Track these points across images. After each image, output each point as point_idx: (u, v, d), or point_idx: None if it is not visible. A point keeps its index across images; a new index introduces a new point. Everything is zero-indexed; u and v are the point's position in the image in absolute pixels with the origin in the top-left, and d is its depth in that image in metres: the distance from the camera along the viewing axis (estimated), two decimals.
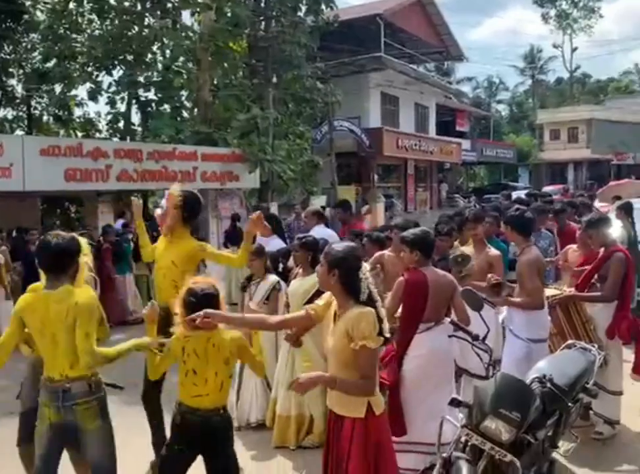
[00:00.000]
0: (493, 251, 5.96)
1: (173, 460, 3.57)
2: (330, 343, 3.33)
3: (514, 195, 21.26)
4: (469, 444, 3.60)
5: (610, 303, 5.41)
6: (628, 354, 5.74)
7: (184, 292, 3.53)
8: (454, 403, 3.60)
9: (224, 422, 3.58)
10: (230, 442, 3.65)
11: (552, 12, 62.35)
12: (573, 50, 63.29)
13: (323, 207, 16.88)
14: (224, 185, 15.98)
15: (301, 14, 20.19)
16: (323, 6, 20.36)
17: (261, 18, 19.65)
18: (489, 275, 5.23)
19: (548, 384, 3.71)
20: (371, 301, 3.23)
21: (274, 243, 6.93)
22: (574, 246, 6.51)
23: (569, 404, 3.87)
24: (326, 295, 3.48)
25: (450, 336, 4.49)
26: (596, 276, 5.58)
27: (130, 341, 3.60)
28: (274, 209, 17.85)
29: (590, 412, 4.89)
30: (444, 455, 3.50)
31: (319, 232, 7.19)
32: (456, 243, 6.75)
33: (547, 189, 33.70)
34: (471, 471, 3.39)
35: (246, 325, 3.90)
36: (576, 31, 62.75)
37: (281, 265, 6.25)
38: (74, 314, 3.38)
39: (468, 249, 6.13)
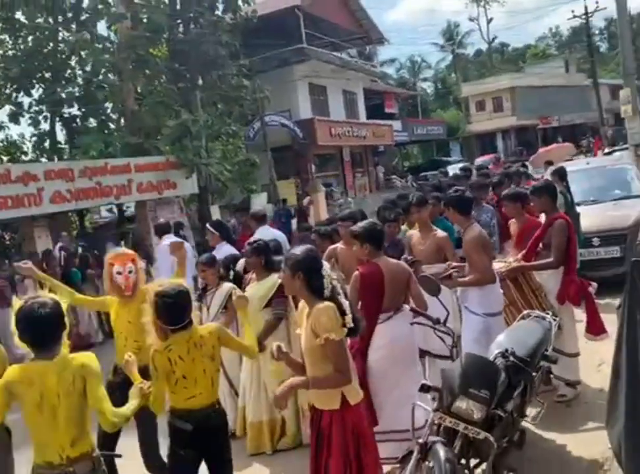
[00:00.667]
0: (440, 234, 6.09)
1: (182, 465, 3.57)
2: (302, 342, 3.42)
3: (450, 171, 21.76)
4: (443, 426, 3.69)
5: (557, 269, 5.55)
6: (579, 315, 5.93)
7: (153, 296, 3.46)
8: (424, 388, 3.67)
9: (221, 416, 3.64)
10: (229, 442, 3.70)
11: None
12: (489, 21, 64.92)
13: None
14: (161, 194, 15.72)
15: (218, 12, 19.99)
16: (240, 3, 20.23)
17: (179, 21, 19.35)
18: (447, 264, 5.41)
19: (511, 358, 3.82)
20: (333, 296, 3.32)
21: (224, 250, 6.88)
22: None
23: (533, 374, 4.00)
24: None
25: (412, 324, 4.56)
26: (540, 244, 5.75)
27: (133, 396, 3.38)
28: (215, 211, 17.71)
29: (552, 376, 5.04)
30: (420, 440, 3.57)
31: (264, 233, 7.17)
32: (404, 227, 6.85)
33: (479, 160, 34.58)
34: (447, 452, 3.47)
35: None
36: (489, 2, 64.30)
37: (232, 272, 6.20)
38: (83, 377, 3.06)
39: (415, 232, 6.24)
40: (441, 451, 3.43)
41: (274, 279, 5.25)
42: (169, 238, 7.58)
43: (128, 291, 4.43)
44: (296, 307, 5.55)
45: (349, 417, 3.37)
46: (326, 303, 3.28)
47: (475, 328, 5.12)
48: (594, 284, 5.80)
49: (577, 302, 5.62)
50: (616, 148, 24.10)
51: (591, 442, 4.60)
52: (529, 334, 4.33)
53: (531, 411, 4.41)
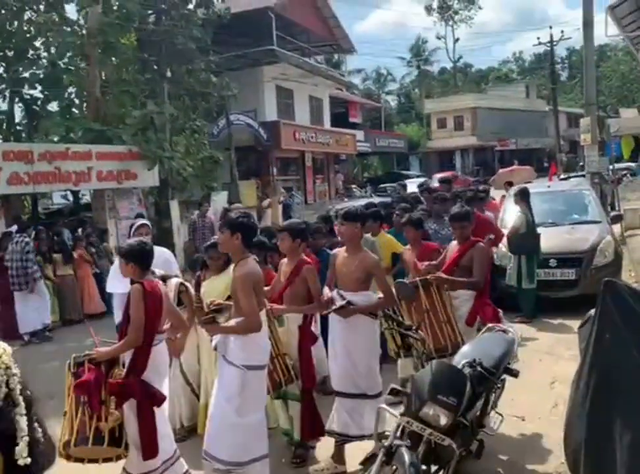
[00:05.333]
0: (369, 257, 4.89)
1: None
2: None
3: (408, 184, 21.95)
4: (408, 430, 3.73)
5: (471, 295, 5.41)
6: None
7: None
8: (393, 392, 3.70)
9: None
10: None
11: (435, 4, 64.79)
12: (455, 41, 66.05)
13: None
14: (121, 184, 15.44)
15: (191, 6, 19.84)
16: None
17: (150, 11, 19.12)
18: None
19: (478, 368, 3.89)
20: None
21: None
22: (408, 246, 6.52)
23: (497, 385, 4.08)
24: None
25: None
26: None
27: None
28: (174, 206, 17.51)
29: None
30: (386, 444, 3.59)
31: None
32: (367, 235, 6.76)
33: (438, 176, 35.09)
34: (412, 456, 3.51)
35: None
36: (457, 22, 65.55)
37: None
38: None
39: (341, 251, 5.30)
40: (406, 456, 3.46)
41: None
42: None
43: None
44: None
45: None
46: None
47: (230, 382, 4.21)
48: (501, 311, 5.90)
49: (497, 322, 5.42)
50: (571, 175, 24.79)
51: (545, 456, 4.71)
52: (493, 345, 4.42)
53: (489, 422, 4.50)
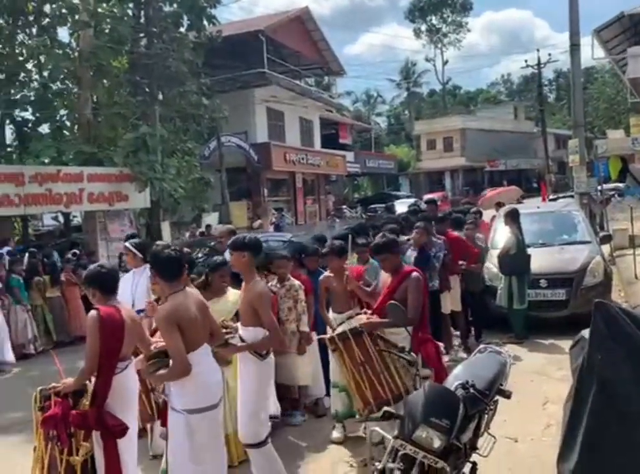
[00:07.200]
0: (255, 289, 4.48)
1: None
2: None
3: (397, 205, 22.10)
4: (400, 453, 3.71)
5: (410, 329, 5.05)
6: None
7: None
8: (385, 416, 3.70)
9: None
10: None
11: (424, 27, 65.51)
12: (444, 63, 66.79)
13: (209, 226, 16.75)
14: (112, 206, 15.48)
15: (183, 29, 20.01)
16: (205, 22, 20.28)
17: (142, 34, 19.27)
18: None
19: (471, 390, 3.89)
20: None
21: (147, 271, 6.09)
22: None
23: (490, 407, 4.08)
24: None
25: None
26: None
27: None
28: (165, 227, 17.52)
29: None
30: (379, 466, 3.58)
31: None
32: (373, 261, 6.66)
33: (427, 196, 35.31)
34: None
35: None
36: (446, 45, 66.34)
37: None
38: None
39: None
40: None
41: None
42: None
43: None
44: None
45: None
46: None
47: (177, 429, 3.99)
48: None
49: (436, 364, 5.16)
50: (560, 195, 24.98)
51: None
52: (486, 367, 4.41)
53: (481, 444, 4.48)
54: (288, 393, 6.19)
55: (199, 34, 20.17)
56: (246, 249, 4.45)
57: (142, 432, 5.17)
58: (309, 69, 33.49)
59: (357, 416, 5.07)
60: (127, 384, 4.06)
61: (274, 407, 4.84)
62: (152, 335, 4.52)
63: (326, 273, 6.07)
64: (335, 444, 5.58)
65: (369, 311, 5.29)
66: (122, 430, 3.93)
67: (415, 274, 5.10)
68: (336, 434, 5.60)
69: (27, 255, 11.37)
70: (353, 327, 4.93)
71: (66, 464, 3.78)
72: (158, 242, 5.31)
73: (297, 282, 6.15)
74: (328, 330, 5.60)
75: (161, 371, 3.90)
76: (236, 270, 4.80)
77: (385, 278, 5.38)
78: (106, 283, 4.10)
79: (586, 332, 3.54)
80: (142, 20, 19.17)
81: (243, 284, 4.60)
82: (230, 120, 21.89)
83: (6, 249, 11.41)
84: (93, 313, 3.93)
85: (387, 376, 4.75)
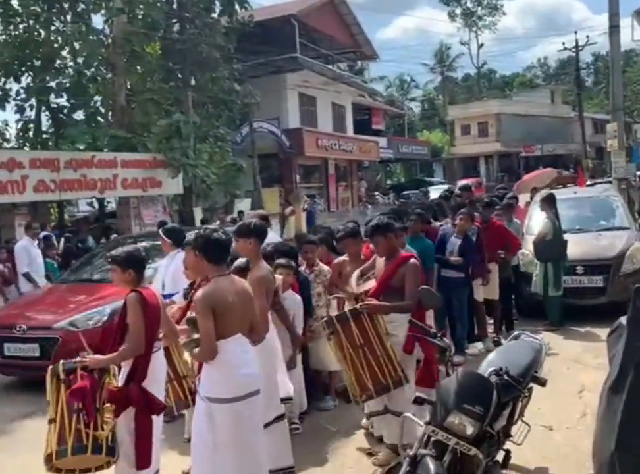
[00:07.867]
0: (255, 274, 4.51)
1: None
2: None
3: (431, 191, 21.91)
4: (432, 440, 3.66)
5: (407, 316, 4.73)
6: None
7: None
8: (417, 401, 3.65)
9: None
10: None
11: (458, 11, 64.60)
12: (479, 47, 65.77)
13: (241, 212, 16.78)
14: (146, 191, 15.62)
15: (215, 15, 20.02)
16: (237, 7, 20.26)
17: (174, 20, 19.33)
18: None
19: (505, 376, 3.81)
20: None
21: (180, 256, 6.04)
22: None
23: (525, 394, 4.00)
24: None
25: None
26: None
27: None
28: (198, 213, 17.62)
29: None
30: (411, 453, 3.53)
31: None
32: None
33: (462, 182, 34.92)
34: (437, 466, 3.44)
35: None
36: (481, 28, 65.32)
37: None
38: None
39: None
40: (431, 465, 3.40)
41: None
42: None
43: None
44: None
45: None
46: None
47: (199, 416, 3.96)
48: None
49: (431, 353, 4.96)
50: (598, 180, 24.45)
51: (573, 467, 4.61)
52: (521, 354, 4.33)
53: (515, 432, 4.41)
54: (319, 378, 6.18)
55: (231, 19, 20.18)
56: (252, 235, 4.54)
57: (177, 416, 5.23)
58: (342, 53, 33.21)
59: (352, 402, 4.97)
60: (160, 363, 4.19)
61: (284, 389, 4.75)
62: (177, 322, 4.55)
63: (342, 257, 5.95)
64: (365, 430, 5.56)
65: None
66: (161, 408, 4.03)
67: (413, 260, 4.91)
68: (366, 420, 5.57)
69: (62, 240, 11.53)
70: (352, 308, 4.82)
71: (93, 439, 3.78)
72: (207, 226, 5.21)
73: (326, 268, 6.09)
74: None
75: (196, 350, 3.88)
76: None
77: (380, 262, 5.14)
78: (141, 265, 4.16)
79: (624, 319, 3.45)
80: (175, 6, 19.27)
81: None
82: (262, 106, 21.87)
83: (44, 233, 11.58)
84: (134, 294, 3.97)
85: (387, 360, 4.63)
